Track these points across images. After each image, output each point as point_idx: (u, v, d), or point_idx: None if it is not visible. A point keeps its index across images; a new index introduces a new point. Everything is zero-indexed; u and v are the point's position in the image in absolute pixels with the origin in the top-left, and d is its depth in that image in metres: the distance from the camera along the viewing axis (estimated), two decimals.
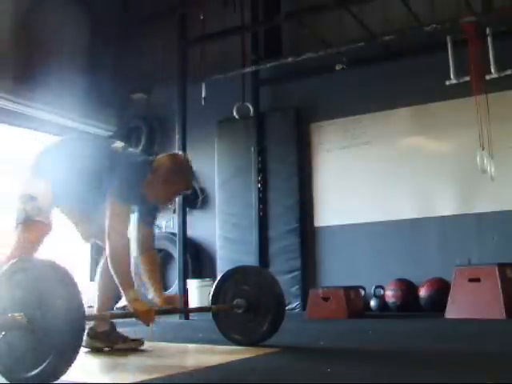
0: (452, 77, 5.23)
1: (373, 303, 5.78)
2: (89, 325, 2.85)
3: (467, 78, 5.13)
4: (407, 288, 5.65)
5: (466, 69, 5.13)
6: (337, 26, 6.31)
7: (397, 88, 6.00)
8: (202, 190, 7.17)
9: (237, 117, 6.42)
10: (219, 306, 3.08)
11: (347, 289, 5.18)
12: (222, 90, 6.28)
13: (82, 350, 2.76)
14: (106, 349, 2.85)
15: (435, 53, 5.62)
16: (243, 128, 6.80)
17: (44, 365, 1.89)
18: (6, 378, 1.96)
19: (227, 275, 3.16)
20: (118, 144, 2.92)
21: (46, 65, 6.61)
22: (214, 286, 3.15)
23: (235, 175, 6.93)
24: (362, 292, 5.58)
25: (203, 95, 6.03)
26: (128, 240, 2.63)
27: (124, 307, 4.36)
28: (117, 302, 5.02)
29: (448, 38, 5.28)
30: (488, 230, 5.53)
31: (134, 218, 2.91)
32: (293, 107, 6.73)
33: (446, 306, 4.66)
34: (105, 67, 7.88)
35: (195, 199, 7.10)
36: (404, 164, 6.04)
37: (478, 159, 5.01)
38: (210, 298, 3.13)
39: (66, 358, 1.94)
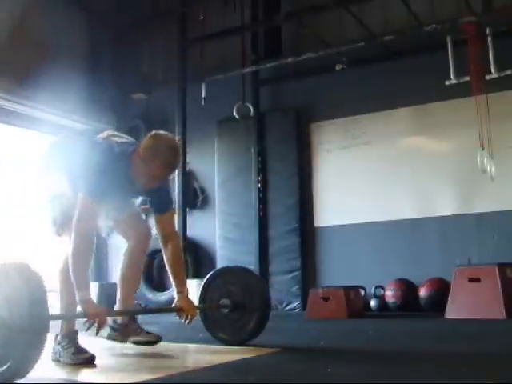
0: (452, 77, 5.24)
1: (373, 303, 5.78)
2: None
3: (467, 78, 5.14)
4: (407, 288, 5.65)
5: (466, 69, 5.13)
6: (337, 26, 6.30)
7: (397, 88, 6.00)
8: (202, 190, 7.17)
9: (237, 117, 6.42)
10: (204, 306, 3.12)
11: (347, 289, 5.18)
12: (221, 90, 6.30)
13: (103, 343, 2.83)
14: (125, 342, 2.86)
15: (435, 53, 5.62)
16: (243, 128, 6.79)
17: (8, 364, 1.98)
18: None
19: (214, 276, 3.20)
20: (104, 134, 2.84)
21: (46, 65, 6.61)
22: (201, 287, 3.18)
23: (235, 175, 6.93)
24: (362, 292, 5.58)
25: (203, 95, 6.04)
26: (92, 237, 2.51)
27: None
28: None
29: (448, 38, 5.29)
30: (488, 229, 5.53)
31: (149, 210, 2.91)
32: (293, 107, 6.73)
33: (445, 306, 4.66)
34: (105, 67, 7.88)
35: (195, 199, 7.10)
36: (404, 164, 6.04)
37: (478, 159, 5.01)
38: (198, 298, 3.16)
39: (28, 358, 2.00)
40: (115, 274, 7.30)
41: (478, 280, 4.55)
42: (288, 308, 6.33)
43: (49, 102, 6.75)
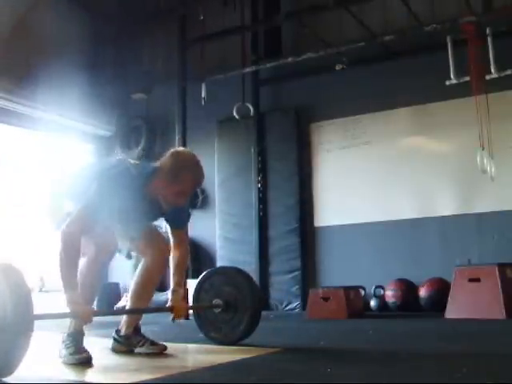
0: (452, 77, 5.23)
1: (373, 303, 5.78)
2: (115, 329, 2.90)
3: (467, 78, 5.13)
4: (407, 288, 5.65)
5: (466, 69, 5.12)
6: (337, 26, 6.31)
7: (397, 88, 6.00)
8: (202, 190, 7.17)
9: (237, 117, 6.42)
10: (196, 305, 3.14)
11: (347, 289, 5.18)
12: (222, 89, 6.29)
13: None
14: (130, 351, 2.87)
15: (435, 53, 5.62)
16: (243, 128, 6.79)
17: None
18: None
19: (207, 276, 3.24)
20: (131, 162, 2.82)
21: (46, 65, 6.61)
22: (194, 288, 3.21)
23: (235, 175, 6.94)
24: (362, 292, 5.57)
25: (203, 95, 6.03)
26: (78, 241, 2.48)
27: (124, 307, 4.35)
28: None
29: (448, 38, 5.28)
30: (488, 229, 5.53)
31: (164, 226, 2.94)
32: (293, 107, 6.73)
33: (445, 306, 4.66)
34: (105, 67, 7.88)
35: (195, 199, 7.10)
36: (404, 164, 6.04)
37: (478, 159, 5.01)
38: (192, 298, 3.19)
39: (13, 358, 2.02)
40: (115, 274, 7.35)
41: (477, 280, 4.55)
42: (288, 308, 6.33)
43: (49, 102, 6.75)
